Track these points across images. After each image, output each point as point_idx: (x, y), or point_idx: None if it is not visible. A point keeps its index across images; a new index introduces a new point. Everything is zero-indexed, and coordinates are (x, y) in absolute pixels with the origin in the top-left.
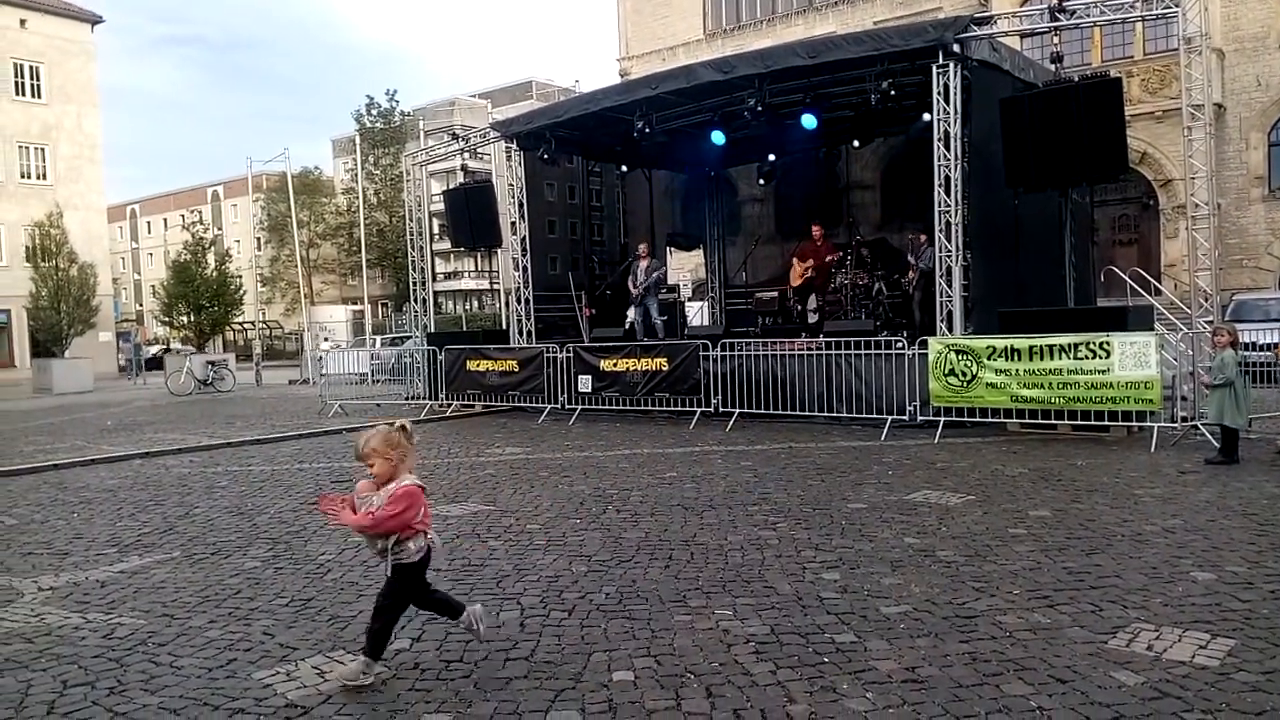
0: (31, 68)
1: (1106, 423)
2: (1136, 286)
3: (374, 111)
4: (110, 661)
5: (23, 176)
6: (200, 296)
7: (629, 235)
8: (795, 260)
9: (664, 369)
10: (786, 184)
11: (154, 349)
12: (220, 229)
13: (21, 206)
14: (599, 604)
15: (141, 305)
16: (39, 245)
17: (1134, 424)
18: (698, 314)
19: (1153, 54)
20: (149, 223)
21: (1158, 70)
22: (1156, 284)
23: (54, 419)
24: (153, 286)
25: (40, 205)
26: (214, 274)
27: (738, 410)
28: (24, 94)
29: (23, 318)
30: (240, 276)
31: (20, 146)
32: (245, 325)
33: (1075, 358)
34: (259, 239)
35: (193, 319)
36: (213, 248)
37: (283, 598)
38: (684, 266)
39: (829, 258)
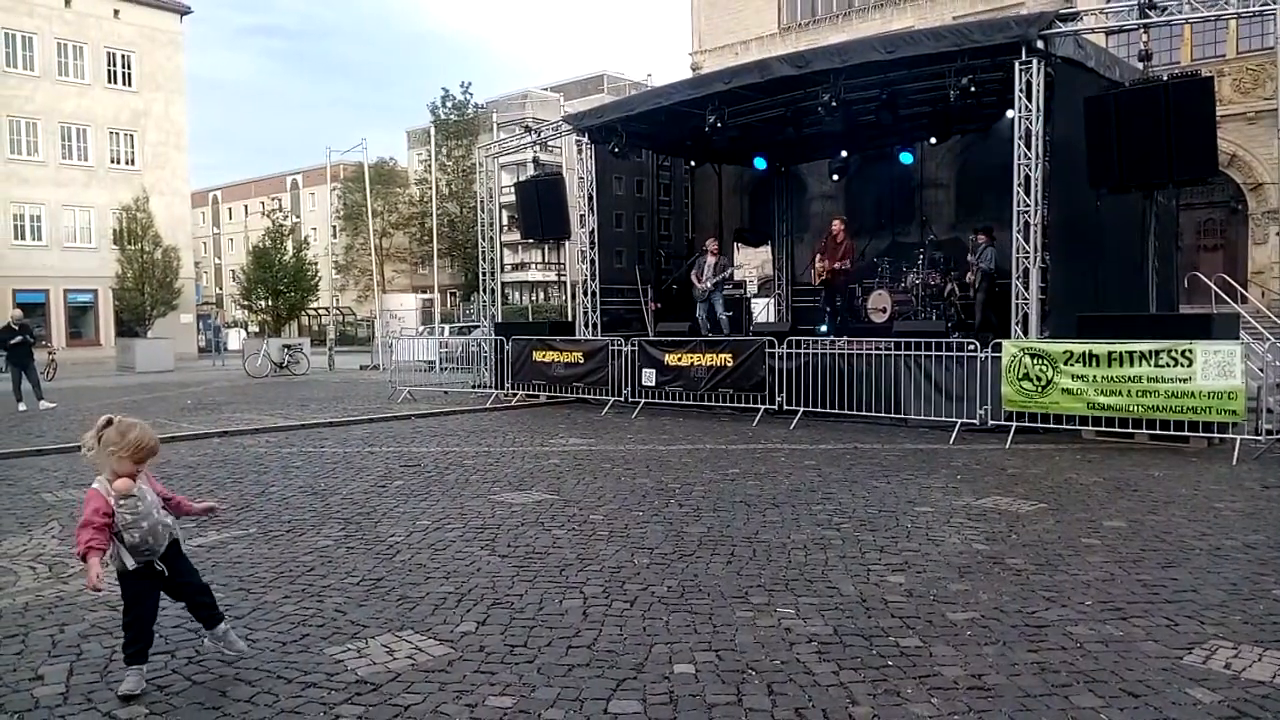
0: (123, 56)
1: (1186, 433)
2: (1222, 293)
3: (448, 104)
4: (189, 632)
5: (112, 162)
6: (278, 282)
7: (696, 230)
8: (818, 256)
9: (729, 365)
10: (858, 181)
11: (232, 331)
12: (298, 216)
13: (110, 191)
14: (661, 596)
15: (221, 289)
16: (126, 228)
17: (1215, 435)
18: (764, 310)
19: (1246, 53)
20: (230, 209)
21: (1251, 70)
22: (1243, 291)
23: (136, 397)
24: (233, 271)
25: (128, 190)
26: (292, 260)
27: (802, 409)
28: (115, 82)
29: (109, 298)
30: (316, 263)
31: (111, 133)
32: (320, 311)
33: (1156, 365)
34: (334, 227)
35: (270, 303)
36: (291, 235)
37: (354, 576)
38: (751, 263)
39: (845, 261)
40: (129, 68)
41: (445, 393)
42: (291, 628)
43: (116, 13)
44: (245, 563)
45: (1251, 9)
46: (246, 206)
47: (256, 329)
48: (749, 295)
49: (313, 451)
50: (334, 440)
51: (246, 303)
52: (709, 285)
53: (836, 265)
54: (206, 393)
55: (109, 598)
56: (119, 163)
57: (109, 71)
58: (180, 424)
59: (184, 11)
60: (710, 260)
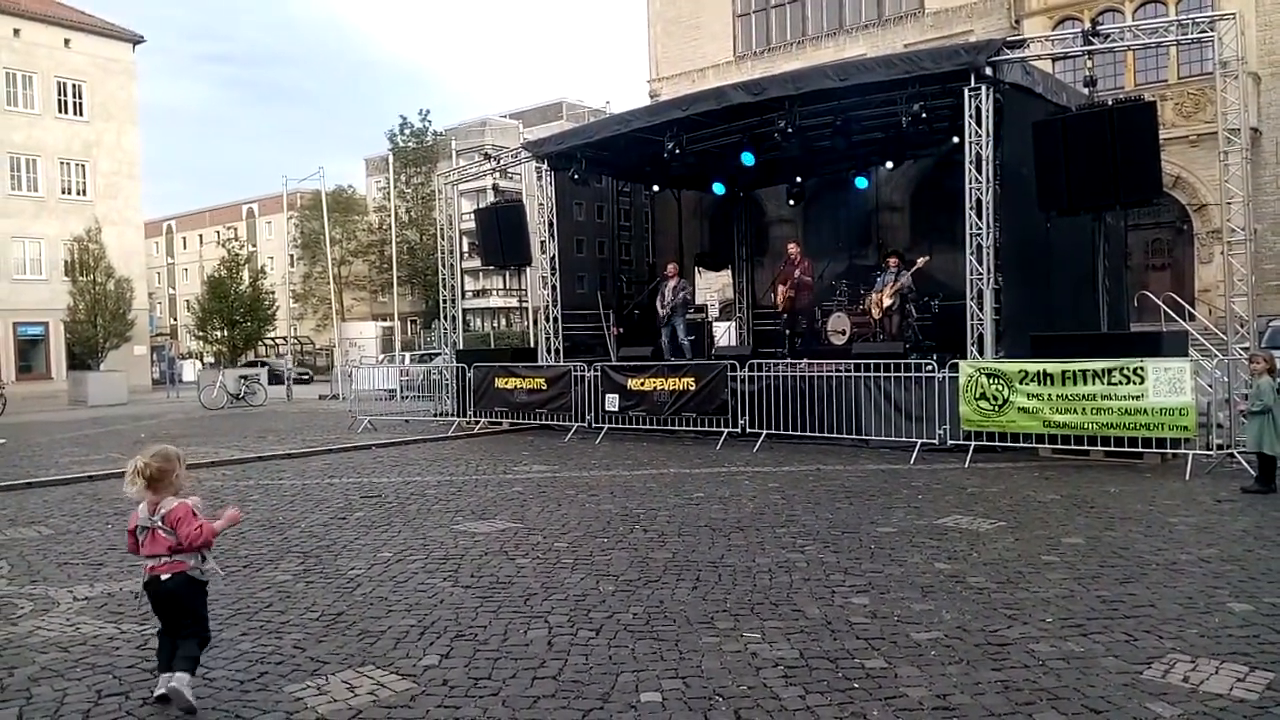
0: (74, 86)
1: (1140, 449)
2: (1170, 312)
3: (407, 131)
4: (144, 672)
5: (63, 192)
6: (234, 312)
7: (657, 255)
8: (778, 285)
9: (691, 389)
10: (816, 205)
11: (187, 362)
12: (255, 245)
13: (61, 221)
14: (626, 624)
15: (176, 320)
16: (77, 260)
17: (1168, 451)
18: (725, 334)
19: (1187, 78)
20: (184, 238)
21: (1192, 94)
22: (1190, 309)
23: (89, 431)
24: (187, 301)
25: (79, 220)
26: (248, 290)
27: (765, 431)
28: (66, 111)
29: (60, 331)
30: (273, 293)
31: (62, 163)
32: (277, 341)
33: (1109, 383)
34: (292, 256)
35: (226, 334)
36: (247, 264)
37: (313, 611)
38: (712, 287)
39: (801, 274)
40: (80, 97)
41: (406, 421)
42: (249, 665)
43: (67, 42)
44: None
45: (1190, 36)
46: (201, 236)
47: (212, 360)
48: (711, 319)
49: (270, 484)
50: (292, 472)
51: (202, 333)
52: (669, 310)
53: (791, 292)
54: (161, 425)
55: (59, 639)
56: (70, 193)
57: (59, 101)
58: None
59: (137, 41)
60: (670, 284)
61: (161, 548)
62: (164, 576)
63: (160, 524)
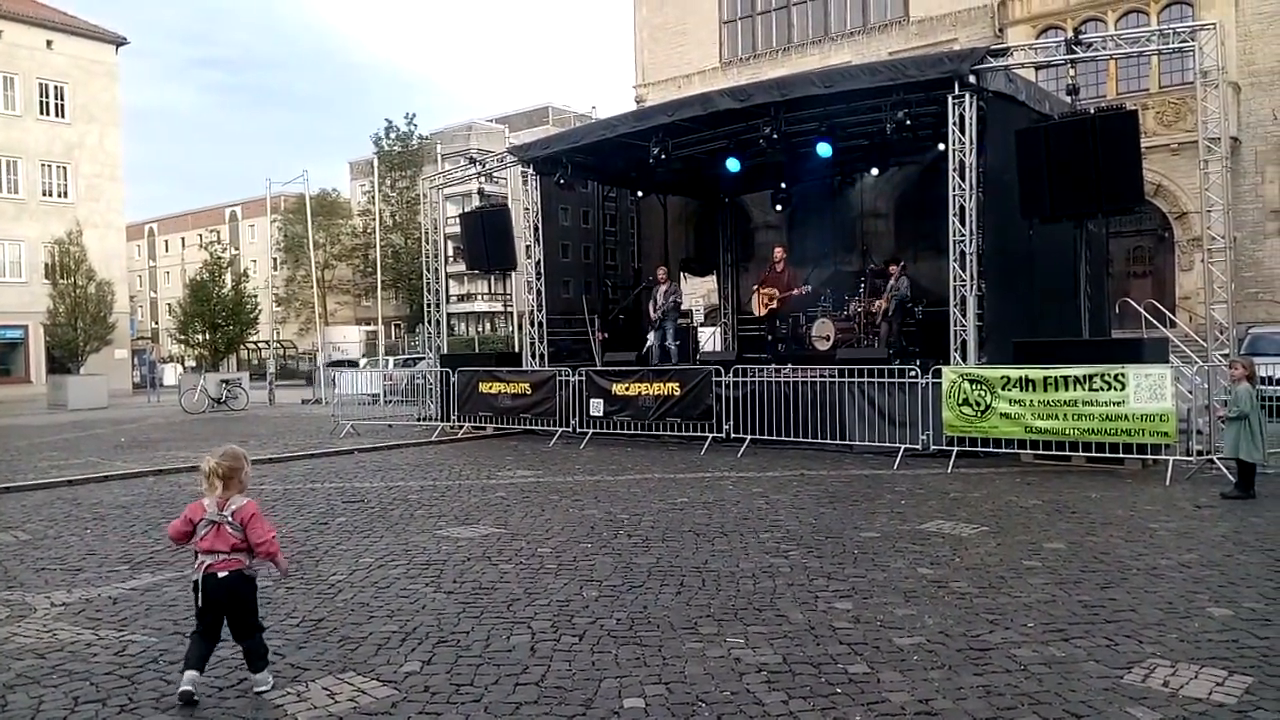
0: (56, 88)
1: (1121, 455)
2: (1151, 319)
3: (392, 135)
4: (122, 679)
5: (44, 194)
6: (216, 316)
7: (642, 260)
8: (758, 289)
9: (676, 394)
10: (800, 211)
11: (168, 366)
12: (237, 249)
13: (42, 224)
14: (610, 629)
15: (157, 323)
16: (58, 262)
17: (1149, 457)
18: (710, 339)
19: (1168, 87)
20: (167, 241)
21: (1173, 103)
22: (1171, 316)
23: (68, 435)
24: (169, 305)
25: (60, 223)
26: (230, 293)
27: (749, 436)
28: (48, 113)
29: (40, 334)
30: (256, 296)
31: (43, 165)
32: (260, 345)
33: (1090, 389)
34: (275, 259)
35: (208, 338)
36: (230, 267)
37: (294, 618)
38: (697, 292)
39: (795, 290)
40: (62, 99)
41: (390, 426)
42: (229, 672)
43: (49, 43)
44: (181, 605)
45: (1171, 46)
46: (184, 239)
47: (194, 363)
48: (696, 324)
49: (251, 489)
50: (274, 477)
51: (183, 337)
52: (661, 314)
53: (779, 295)
54: (141, 430)
55: (36, 645)
56: (51, 195)
57: (41, 103)
58: (114, 462)
59: (120, 43)
60: (661, 289)
61: (224, 544)
62: (220, 574)
63: (230, 519)
